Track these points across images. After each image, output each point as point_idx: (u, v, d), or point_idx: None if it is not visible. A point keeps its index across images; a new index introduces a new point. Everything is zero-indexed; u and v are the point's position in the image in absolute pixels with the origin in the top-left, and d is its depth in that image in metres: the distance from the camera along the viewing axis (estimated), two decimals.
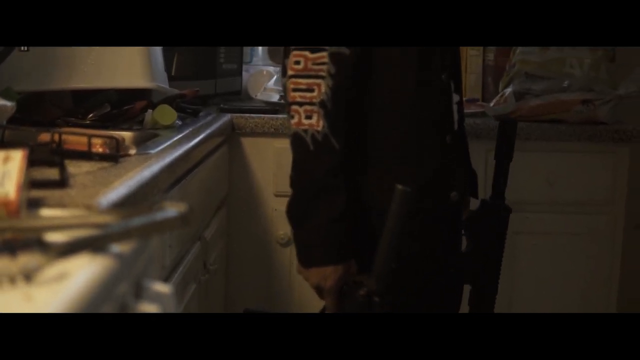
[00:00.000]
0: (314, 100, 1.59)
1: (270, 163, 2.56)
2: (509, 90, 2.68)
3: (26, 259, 0.78)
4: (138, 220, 0.89)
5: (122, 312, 0.84)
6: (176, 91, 2.24)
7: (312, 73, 1.59)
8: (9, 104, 1.42)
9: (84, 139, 1.45)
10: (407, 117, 1.71)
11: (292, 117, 1.62)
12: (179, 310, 1.68)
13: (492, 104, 2.70)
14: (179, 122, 2.13)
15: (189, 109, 2.34)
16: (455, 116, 1.82)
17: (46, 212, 1.02)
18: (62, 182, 1.17)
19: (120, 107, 2.09)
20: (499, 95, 2.72)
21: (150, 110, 2.06)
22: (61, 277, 0.77)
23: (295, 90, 1.61)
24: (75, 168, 1.32)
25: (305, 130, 1.60)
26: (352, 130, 1.66)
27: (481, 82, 2.97)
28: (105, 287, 0.80)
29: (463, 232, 1.88)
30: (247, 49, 3.12)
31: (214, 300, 2.28)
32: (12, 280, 0.75)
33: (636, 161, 2.69)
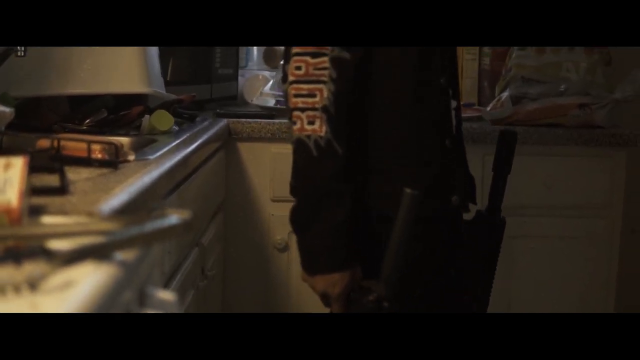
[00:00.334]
0: (316, 106, 1.58)
1: (267, 168, 2.55)
2: (505, 94, 2.68)
3: (31, 268, 0.77)
4: (141, 228, 0.88)
5: None
6: (173, 96, 2.23)
7: (314, 78, 1.59)
8: (7, 110, 1.41)
9: (83, 145, 1.45)
10: (406, 120, 1.71)
11: (295, 123, 1.61)
12: None
13: (488, 108, 2.70)
14: (176, 128, 2.12)
15: (185, 114, 2.33)
16: (453, 121, 1.82)
17: (48, 219, 1.01)
18: (62, 189, 1.16)
19: (117, 113, 2.08)
20: (496, 99, 2.72)
21: (147, 116, 2.05)
22: (66, 285, 0.76)
23: (296, 95, 1.60)
24: (74, 174, 1.31)
25: (308, 136, 1.59)
26: (353, 135, 1.65)
27: (477, 86, 2.97)
28: (110, 295, 0.79)
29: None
30: (242, 54, 3.11)
31: (211, 305, 2.27)
32: (17, 289, 0.75)
33: (633, 165, 2.69)
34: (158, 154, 1.65)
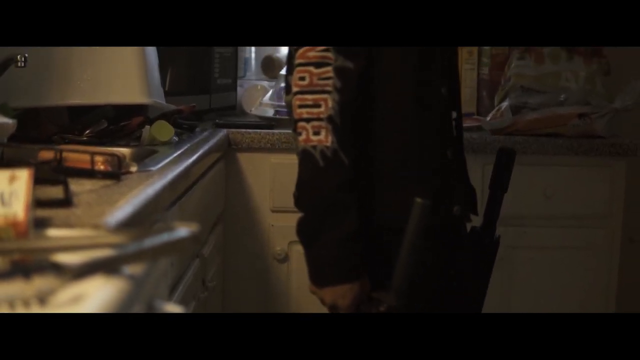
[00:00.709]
0: (322, 116, 1.57)
1: (267, 178, 2.54)
2: (505, 104, 2.67)
3: (40, 282, 0.76)
4: (150, 241, 0.87)
5: None
6: (173, 107, 2.23)
7: (318, 88, 1.58)
8: (10, 121, 1.40)
9: (85, 156, 1.44)
10: (407, 129, 1.70)
11: (300, 134, 1.59)
12: None
13: (488, 118, 2.70)
14: (176, 138, 2.11)
15: (185, 125, 2.33)
16: (454, 132, 1.81)
17: (54, 232, 1.00)
18: (66, 201, 1.15)
19: (117, 123, 2.07)
20: (496, 109, 2.71)
21: (147, 126, 2.04)
22: (76, 300, 0.75)
23: (301, 106, 1.59)
24: (77, 186, 1.30)
25: (314, 147, 1.58)
26: (357, 145, 1.64)
27: (476, 96, 2.97)
28: (120, 310, 0.78)
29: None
30: (240, 64, 3.10)
31: None
32: (26, 303, 0.74)
33: (633, 175, 2.69)
34: (160, 165, 1.64)
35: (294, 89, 1.60)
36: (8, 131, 1.41)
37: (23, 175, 0.97)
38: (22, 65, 1.88)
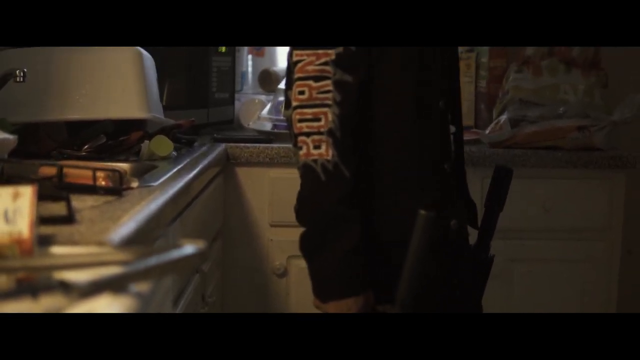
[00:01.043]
0: (322, 130, 1.57)
1: (266, 193, 2.54)
2: (504, 117, 2.67)
3: (48, 301, 0.75)
4: (158, 259, 0.86)
5: None
6: (172, 121, 2.22)
7: (318, 102, 1.57)
8: (11, 137, 1.39)
9: (86, 172, 1.43)
10: (406, 142, 1.69)
11: (300, 148, 1.59)
12: None
13: (487, 131, 2.69)
14: (175, 153, 2.11)
15: (183, 139, 2.32)
16: (452, 146, 1.80)
17: (58, 249, 0.99)
18: (69, 218, 1.15)
19: (116, 138, 2.07)
20: (494, 122, 2.71)
21: (146, 141, 2.03)
22: None
23: (301, 120, 1.58)
24: (79, 202, 1.29)
25: (315, 160, 1.57)
26: (357, 157, 1.63)
27: (474, 109, 2.96)
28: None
29: None
30: (237, 77, 3.09)
31: None
32: None
33: (632, 187, 2.68)
34: (160, 180, 1.63)
35: (294, 103, 1.59)
36: (9, 147, 1.40)
37: (27, 192, 0.96)
38: (21, 80, 1.88)
